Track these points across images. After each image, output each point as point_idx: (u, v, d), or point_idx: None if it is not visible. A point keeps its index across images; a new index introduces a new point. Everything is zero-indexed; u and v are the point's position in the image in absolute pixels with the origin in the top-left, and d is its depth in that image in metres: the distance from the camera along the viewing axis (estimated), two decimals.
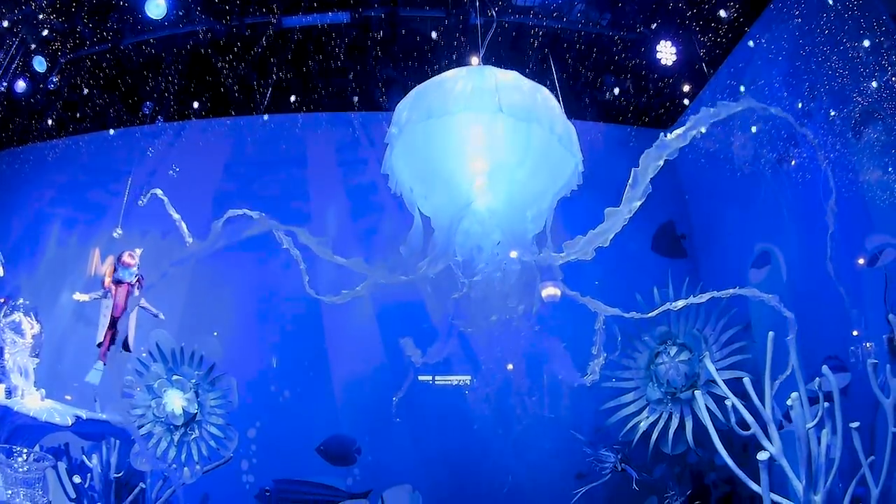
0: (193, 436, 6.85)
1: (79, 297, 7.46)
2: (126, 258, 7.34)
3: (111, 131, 9.57)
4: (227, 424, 6.89)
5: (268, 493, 7.81)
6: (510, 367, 7.97)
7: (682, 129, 5.03)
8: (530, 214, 5.60)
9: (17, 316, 7.49)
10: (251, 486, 7.91)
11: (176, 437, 6.84)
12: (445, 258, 5.37)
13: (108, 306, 7.31)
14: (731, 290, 5.43)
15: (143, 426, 6.93)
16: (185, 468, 6.81)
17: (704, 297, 5.33)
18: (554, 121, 5.45)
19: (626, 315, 5.41)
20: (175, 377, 6.95)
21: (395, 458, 8.15)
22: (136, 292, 7.34)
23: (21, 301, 7.60)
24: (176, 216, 7.07)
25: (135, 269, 7.34)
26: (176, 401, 6.88)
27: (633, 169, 5.10)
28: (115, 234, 7.65)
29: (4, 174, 9.35)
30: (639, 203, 5.19)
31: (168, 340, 7.13)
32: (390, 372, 8.13)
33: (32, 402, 7.16)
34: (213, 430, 6.86)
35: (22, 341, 7.43)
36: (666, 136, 4.99)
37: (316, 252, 5.26)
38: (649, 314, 5.52)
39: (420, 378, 8.27)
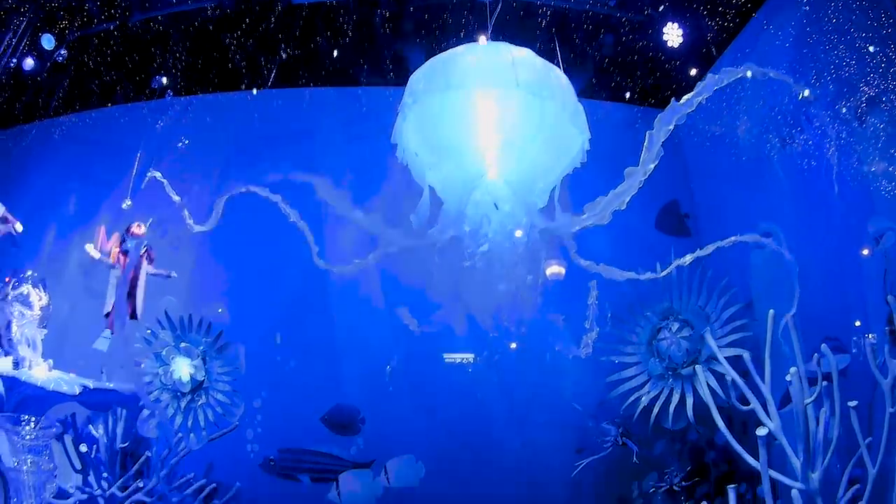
0: (201, 401, 6.89)
1: (90, 249, 7.48)
2: (135, 229, 7.43)
3: (118, 108, 9.58)
4: (234, 391, 6.93)
5: (272, 463, 7.86)
6: (513, 346, 8.03)
7: (691, 94, 5.19)
8: (539, 188, 5.69)
9: (26, 288, 7.55)
10: (256, 455, 7.99)
11: (183, 404, 6.89)
12: (454, 228, 5.47)
13: (116, 276, 7.36)
14: (733, 238, 5.57)
15: (150, 393, 6.98)
16: (192, 434, 6.85)
17: (710, 249, 5.45)
18: (566, 98, 5.61)
19: (641, 277, 5.53)
20: (183, 344, 6.99)
21: (399, 429, 8.20)
22: (145, 263, 7.39)
23: (30, 273, 7.64)
24: (176, 198, 7.13)
25: (143, 239, 7.41)
26: (183, 368, 6.92)
27: (647, 132, 5.31)
28: (124, 206, 7.68)
29: (12, 151, 9.36)
30: (653, 165, 5.40)
31: (176, 308, 7.18)
32: (395, 343, 8.18)
33: (40, 373, 7.24)
34: (220, 396, 6.91)
35: (30, 313, 7.50)
36: (678, 102, 5.19)
37: (335, 206, 5.34)
38: (661, 273, 5.63)
39: (421, 349, 8.23)
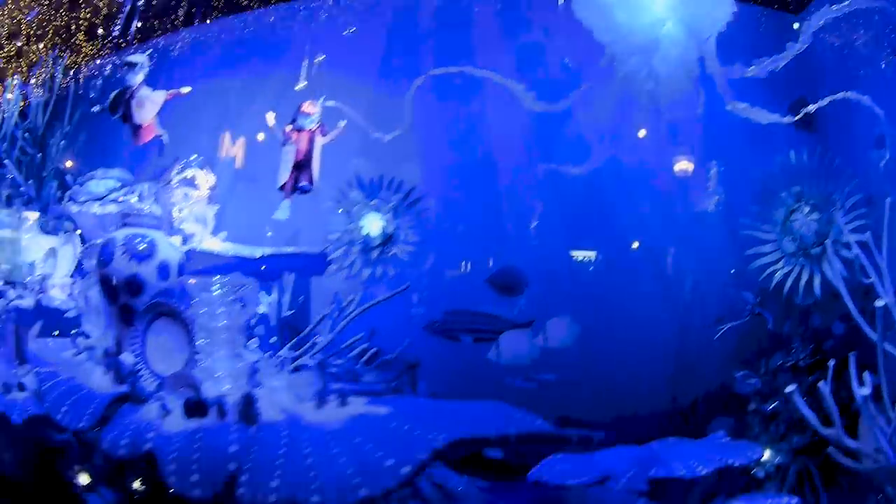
0: (391, 252, 7.39)
1: (269, 118, 8.02)
2: (306, 107, 7.85)
3: (273, 8, 9.97)
4: (422, 241, 7.40)
5: (436, 325, 8.15)
6: (635, 245, 8.43)
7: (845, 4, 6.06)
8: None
9: (191, 172, 8.07)
10: (420, 318, 8.32)
11: (373, 256, 7.41)
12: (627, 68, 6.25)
13: (290, 152, 7.82)
14: (841, 94, 6.72)
15: (337, 249, 7.47)
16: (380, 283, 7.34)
17: (826, 101, 6.93)
18: None
19: (783, 120, 6.80)
20: (373, 202, 7.48)
21: (559, 291, 8.63)
22: (319, 136, 7.79)
23: (194, 157, 8.13)
24: (342, 124, 7.58)
25: (315, 116, 7.79)
26: (373, 223, 7.46)
27: (804, 21, 6.11)
28: (297, 87, 8.12)
29: (168, 56, 9.72)
30: (805, 46, 6.28)
31: (367, 168, 7.66)
32: (559, 205, 8.54)
33: (213, 245, 7.75)
34: (407, 248, 7.39)
35: (197, 193, 8.00)
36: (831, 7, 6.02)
37: None
38: (796, 118, 7.00)
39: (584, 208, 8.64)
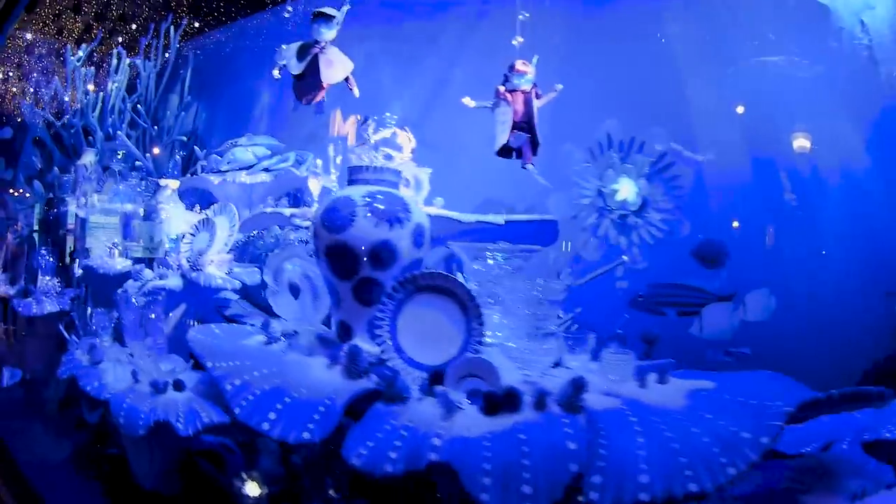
0: (651, 216, 7.30)
1: (467, 101, 7.62)
2: (519, 66, 7.55)
3: None
4: (678, 208, 7.37)
5: (641, 299, 8.08)
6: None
7: None
8: None
9: (389, 132, 7.56)
10: (625, 292, 8.08)
11: (629, 220, 7.31)
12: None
13: (506, 113, 7.45)
14: None
15: (589, 215, 7.31)
16: (636, 250, 7.29)
17: None
18: None
19: None
20: (627, 165, 7.36)
21: (758, 263, 8.70)
22: (535, 98, 7.52)
23: (388, 114, 7.62)
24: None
25: (529, 76, 7.49)
26: (626, 188, 7.32)
27: None
28: (515, 42, 7.82)
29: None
30: None
31: (618, 130, 7.49)
32: (758, 176, 8.70)
33: (433, 210, 7.35)
34: (664, 216, 7.36)
35: (399, 155, 7.52)
36: None
37: None
38: None
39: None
